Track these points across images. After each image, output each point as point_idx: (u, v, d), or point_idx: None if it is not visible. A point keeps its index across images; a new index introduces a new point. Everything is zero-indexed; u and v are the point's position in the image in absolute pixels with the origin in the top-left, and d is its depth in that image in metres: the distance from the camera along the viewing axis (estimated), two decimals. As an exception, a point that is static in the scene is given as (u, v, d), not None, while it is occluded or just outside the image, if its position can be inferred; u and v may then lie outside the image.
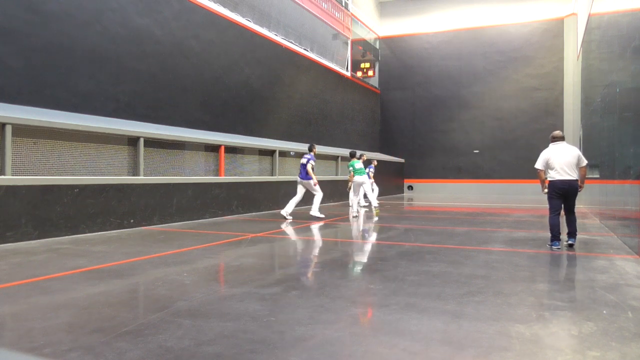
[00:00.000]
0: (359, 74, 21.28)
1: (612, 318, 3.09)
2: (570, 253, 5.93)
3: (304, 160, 9.76)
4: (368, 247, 6.46)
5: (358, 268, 4.98)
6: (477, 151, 21.10)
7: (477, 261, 5.15)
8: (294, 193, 10.01)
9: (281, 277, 4.52)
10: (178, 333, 2.78)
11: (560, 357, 2.44)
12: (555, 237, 6.13)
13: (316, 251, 6.16)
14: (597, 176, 11.03)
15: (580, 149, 16.74)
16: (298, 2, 15.37)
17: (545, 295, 3.77)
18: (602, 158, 10.24)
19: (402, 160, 22.39)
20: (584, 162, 6.13)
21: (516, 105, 20.90)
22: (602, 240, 6.89)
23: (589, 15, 12.82)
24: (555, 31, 20.31)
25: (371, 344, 2.66)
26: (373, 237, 7.49)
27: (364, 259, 5.51)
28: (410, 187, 22.69)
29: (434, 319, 3.07)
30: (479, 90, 21.58)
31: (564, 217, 6.23)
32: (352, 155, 10.94)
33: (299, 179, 9.90)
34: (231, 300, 3.52)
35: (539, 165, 6.22)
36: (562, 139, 6.20)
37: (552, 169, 6.07)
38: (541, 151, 6.34)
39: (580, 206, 14.17)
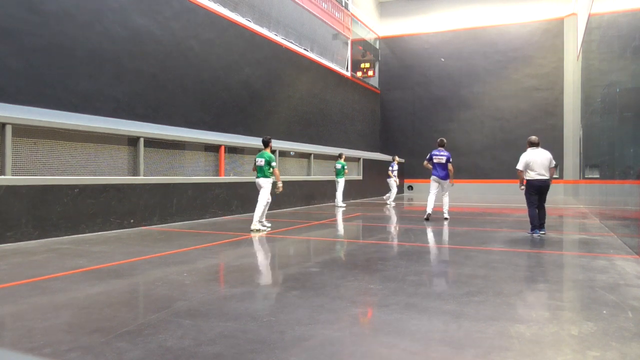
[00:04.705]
0: (359, 74, 21.27)
1: (612, 318, 3.09)
2: (570, 253, 5.93)
3: (443, 159, 9.61)
4: (368, 247, 6.45)
5: (358, 268, 4.98)
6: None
7: (477, 261, 5.15)
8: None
9: (281, 277, 4.52)
10: (178, 333, 2.78)
11: (560, 357, 2.44)
12: (535, 226, 7.26)
13: (316, 251, 6.16)
14: (597, 176, 11.03)
15: (580, 149, 16.76)
16: (298, 2, 15.37)
17: (545, 295, 3.77)
18: (602, 158, 10.23)
19: (402, 160, 22.39)
20: (553, 163, 7.21)
21: (516, 105, 20.89)
22: (602, 240, 6.89)
23: (589, 15, 12.82)
24: (555, 31, 20.30)
25: (371, 344, 2.66)
26: (373, 237, 7.49)
27: (364, 259, 5.50)
28: (411, 187, 22.69)
29: (434, 319, 3.07)
30: (479, 90, 21.57)
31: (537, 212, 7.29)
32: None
33: (434, 178, 9.74)
34: (231, 300, 3.52)
35: (520, 166, 7.23)
36: (539, 144, 7.31)
37: (532, 170, 7.14)
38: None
39: (580, 206, 14.18)
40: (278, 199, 12.09)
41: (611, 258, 5.40)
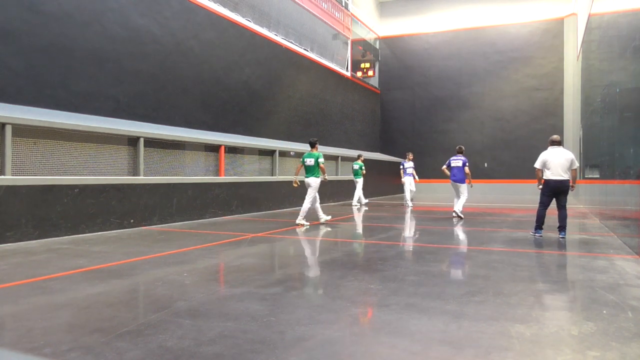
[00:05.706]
0: (359, 74, 21.27)
1: (612, 318, 3.09)
2: (570, 253, 5.93)
3: (459, 163, 10.27)
4: (368, 247, 6.45)
5: (358, 268, 4.98)
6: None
7: (477, 261, 5.15)
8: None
9: (281, 277, 4.52)
10: (178, 333, 2.78)
11: (560, 357, 2.45)
12: (539, 226, 7.21)
13: (316, 251, 6.16)
14: (597, 176, 11.03)
15: (580, 149, 16.76)
16: (298, 2, 15.37)
17: (545, 296, 3.77)
18: (602, 158, 10.24)
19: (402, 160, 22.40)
20: (576, 164, 6.93)
21: (516, 105, 20.89)
22: (602, 240, 6.89)
23: (589, 15, 12.82)
24: (555, 31, 20.30)
25: (371, 344, 2.66)
26: (373, 237, 7.48)
27: (364, 259, 5.51)
28: (410, 187, 22.67)
29: (434, 319, 3.07)
30: (479, 91, 21.57)
31: (557, 212, 7.09)
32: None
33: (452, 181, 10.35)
34: (231, 300, 3.52)
35: (538, 165, 7.12)
36: (559, 143, 7.06)
37: (548, 169, 6.95)
38: (541, 152, 7.17)
39: (580, 206, 14.18)
40: (279, 199, 12.10)
41: (611, 258, 5.40)
